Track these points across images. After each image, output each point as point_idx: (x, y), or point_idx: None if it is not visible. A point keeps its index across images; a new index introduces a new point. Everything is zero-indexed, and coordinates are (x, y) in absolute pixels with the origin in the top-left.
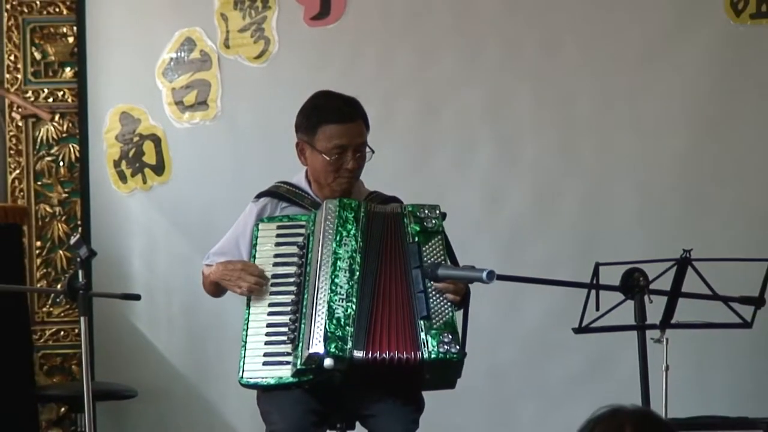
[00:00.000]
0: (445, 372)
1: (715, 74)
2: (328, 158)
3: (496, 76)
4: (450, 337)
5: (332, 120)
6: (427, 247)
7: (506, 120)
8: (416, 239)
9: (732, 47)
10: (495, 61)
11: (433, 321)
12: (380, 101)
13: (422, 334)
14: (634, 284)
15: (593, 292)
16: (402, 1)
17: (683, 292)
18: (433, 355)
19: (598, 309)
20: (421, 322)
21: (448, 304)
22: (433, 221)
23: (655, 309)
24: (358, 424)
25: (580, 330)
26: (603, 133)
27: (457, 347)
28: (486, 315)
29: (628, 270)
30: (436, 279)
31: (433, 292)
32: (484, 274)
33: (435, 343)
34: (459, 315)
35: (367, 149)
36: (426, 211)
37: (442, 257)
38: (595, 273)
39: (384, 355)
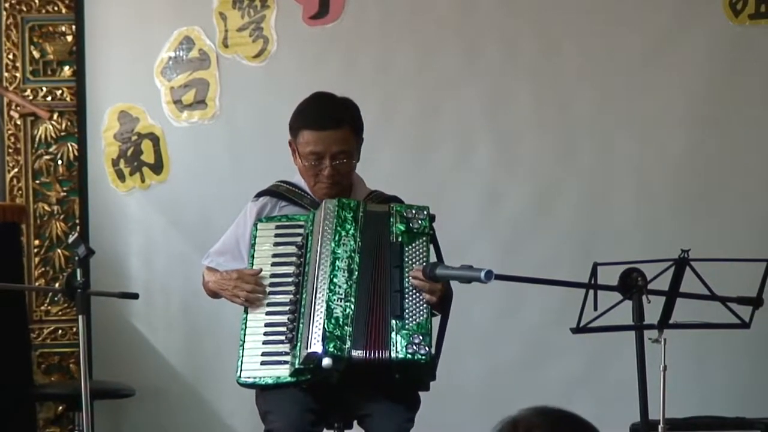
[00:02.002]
0: (415, 373)
1: (713, 74)
2: (305, 163)
3: (495, 76)
4: (420, 338)
5: (309, 126)
6: (410, 247)
7: (505, 120)
8: (400, 239)
9: (731, 47)
10: (494, 60)
11: (406, 321)
12: (379, 101)
13: (392, 334)
14: (632, 284)
15: (591, 292)
16: (401, 1)
17: (681, 292)
18: (400, 356)
19: (596, 309)
20: (394, 321)
21: (425, 306)
22: (420, 222)
23: (653, 309)
24: (355, 424)
25: (578, 330)
26: (602, 133)
27: (427, 349)
28: (484, 315)
29: (626, 270)
30: (435, 278)
31: (411, 293)
32: (483, 274)
33: (404, 344)
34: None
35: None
36: (413, 212)
37: (425, 259)
38: (593, 273)
39: (370, 353)
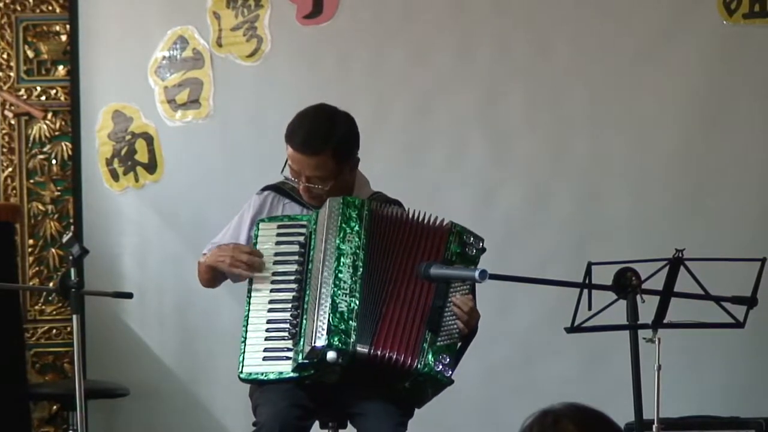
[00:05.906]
0: (425, 389)
1: (707, 74)
2: (291, 172)
3: (488, 75)
4: (448, 360)
5: (291, 145)
6: None
7: (499, 119)
8: (453, 258)
9: (725, 47)
10: (487, 60)
11: (439, 338)
12: (372, 100)
13: (424, 345)
14: (626, 284)
15: (586, 291)
16: (394, 1)
17: (675, 291)
18: (426, 369)
19: (590, 308)
20: (429, 334)
21: (457, 329)
22: (475, 251)
23: (647, 308)
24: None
25: (573, 329)
26: (595, 133)
27: (450, 372)
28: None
29: (620, 269)
30: (429, 278)
31: (450, 314)
32: (477, 274)
33: (432, 359)
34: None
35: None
36: (472, 239)
37: (469, 287)
38: (588, 272)
39: (386, 353)
